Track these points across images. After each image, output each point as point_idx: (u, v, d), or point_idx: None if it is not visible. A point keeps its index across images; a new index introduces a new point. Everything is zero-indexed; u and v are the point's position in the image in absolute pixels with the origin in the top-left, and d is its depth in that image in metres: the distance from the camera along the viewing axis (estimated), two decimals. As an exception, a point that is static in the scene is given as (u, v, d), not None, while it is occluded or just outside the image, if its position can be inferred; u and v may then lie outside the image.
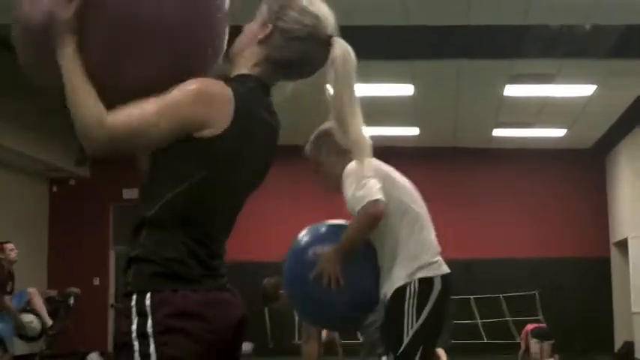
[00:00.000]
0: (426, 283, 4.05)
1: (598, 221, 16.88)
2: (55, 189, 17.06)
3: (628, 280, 15.37)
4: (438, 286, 4.06)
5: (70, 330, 14.96)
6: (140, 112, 2.07)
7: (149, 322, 2.06)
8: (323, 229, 4.36)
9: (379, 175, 4.08)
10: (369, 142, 2.39)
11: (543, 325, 14.72)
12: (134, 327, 2.07)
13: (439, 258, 4.18)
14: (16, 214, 15.45)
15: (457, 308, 15.56)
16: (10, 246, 10.51)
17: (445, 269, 4.17)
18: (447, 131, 15.62)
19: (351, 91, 2.33)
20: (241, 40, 2.34)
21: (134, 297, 2.09)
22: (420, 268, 4.07)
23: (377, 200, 3.94)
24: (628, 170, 15.50)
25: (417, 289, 4.04)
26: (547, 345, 13.94)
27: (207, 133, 2.11)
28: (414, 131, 14.90)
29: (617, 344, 16.11)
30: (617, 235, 16.33)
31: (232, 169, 2.19)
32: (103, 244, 17.01)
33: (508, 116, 14.37)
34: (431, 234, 4.23)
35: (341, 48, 2.31)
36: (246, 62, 2.30)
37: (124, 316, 2.11)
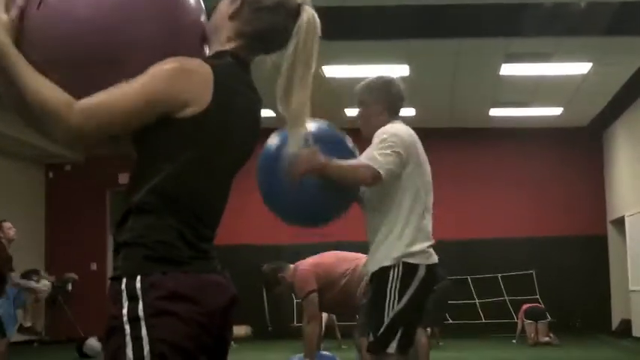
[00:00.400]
0: (410, 268, 4.05)
1: (595, 199, 16.90)
2: (51, 175, 17.06)
3: (625, 258, 15.41)
4: (421, 273, 4.06)
5: (68, 316, 14.99)
6: (115, 93, 2.02)
7: (140, 306, 2.04)
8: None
9: (413, 159, 4.14)
10: (308, 118, 2.34)
11: (538, 304, 14.77)
12: (124, 311, 2.04)
13: (430, 248, 4.18)
14: (12, 200, 15.43)
15: (455, 288, 15.60)
16: (7, 224, 10.51)
17: (433, 260, 4.16)
18: (443, 111, 15.60)
19: (308, 61, 2.28)
20: (214, 19, 2.30)
21: (124, 280, 2.06)
22: (410, 255, 4.07)
23: (378, 173, 3.95)
24: (625, 148, 15.50)
25: (400, 273, 4.04)
26: (541, 324, 14.00)
27: (188, 112, 2.07)
28: (409, 112, 14.87)
29: (615, 322, 16.17)
30: (614, 213, 16.35)
31: (217, 148, 2.16)
32: (100, 230, 17.03)
33: (504, 95, 14.35)
34: (430, 224, 4.22)
35: (307, 15, 2.25)
36: (221, 39, 2.27)
37: (112, 300, 2.07)
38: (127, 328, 2.03)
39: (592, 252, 16.54)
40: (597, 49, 11.78)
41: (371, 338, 4.10)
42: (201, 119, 2.09)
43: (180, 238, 2.10)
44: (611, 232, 16.73)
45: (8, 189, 15.32)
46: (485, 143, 16.92)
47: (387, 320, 4.03)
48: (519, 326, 14.47)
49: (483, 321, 16.01)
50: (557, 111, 15.50)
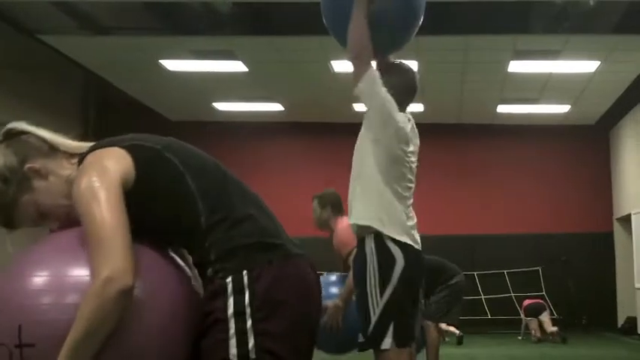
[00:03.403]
0: (386, 257, 3.92)
1: (601, 197, 16.89)
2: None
3: (631, 256, 15.40)
4: (401, 262, 3.90)
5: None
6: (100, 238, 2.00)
7: (247, 299, 2.10)
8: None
9: (391, 132, 4.03)
10: None
11: (538, 300, 14.82)
12: (230, 302, 2.10)
13: (409, 236, 4.03)
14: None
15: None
16: None
17: (413, 243, 4.01)
18: (451, 107, 15.60)
19: None
20: None
21: (230, 277, 2.12)
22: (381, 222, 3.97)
23: (368, 68, 3.96)
24: (632, 146, 15.49)
25: (376, 265, 3.91)
26: (544, 316, 14.04)
27: (130, 184, 2.13)
28: (418, 107, 14.86)
29: (620, 320, 16.17)
30: (620, 211, 16.34)
31: (181, 179, 2.21)
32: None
33: (512, 92, 14.35)
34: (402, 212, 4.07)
35: None
36: None
37: (210, 296, 2.14)
38: (232, 322, 2.09)
39: (598, 249, 16.54)
40: (606, 47, 11.77)
41: (361, 338, 3.98)
42: (143, 179, 2.17)
43: (252, 237, 2.18)
44: (618, 229, 16.72)
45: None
46: (493, 140, 16.92)
47: (373, 319, 3.89)
48: (524, 322, 14.50)
49: (489, 317, 16.03)
50: (564, 108, 15.49)
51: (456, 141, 16.49)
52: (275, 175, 16.65)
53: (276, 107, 15.58)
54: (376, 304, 3.90)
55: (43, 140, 2.28)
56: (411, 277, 3.96)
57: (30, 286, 2.02)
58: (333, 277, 5.82)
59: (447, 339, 13.15)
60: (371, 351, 3.92)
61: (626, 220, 15.88)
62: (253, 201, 2.33)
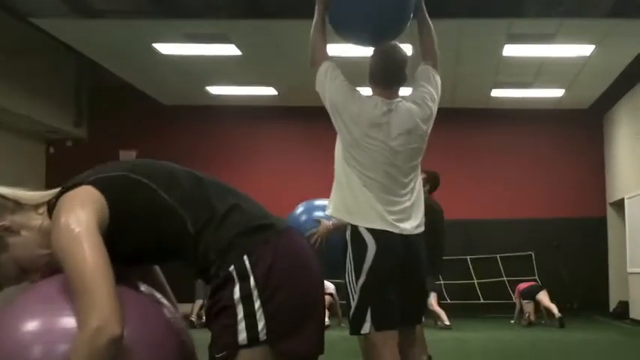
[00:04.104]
0: (359, 244, 3.98)
1: (595, 181, 16.92)
2: (52, 150, 17.05)
3: (624, 241, 15.44)
4: (372, 248, 3.95)
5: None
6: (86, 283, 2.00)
7: (252, 282, 2.15)
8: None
9: (348, 118, 4.15)
10: None
11: (534, 282, 14.89)
12: (237, 289, 2.15)
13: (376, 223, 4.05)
14: (12, 176, 15.42)
15: (454, 269, 15.65)
16: None
17: (389, 227, 4.03)
18: (445, 92, 15.35)
19: None
20: None
21: (232, 266, 2.17)
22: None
23: (317, 68, 4.20)
24: (625, 131, 15.50)
25: (351, 254, 3.99)
26: (542, 295, 14.11)
27: (107, 219, 2.16)
28: (408, 91, 14.85)
29: (612, 304, 16.23)
30: (613, 196, 16.37)
31: (155, 195, 2.25)
32: (101, 206, 17.02)
33: (506, 76, 14.34)
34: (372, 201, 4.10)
35: None
36: None
37: (215, 290, 2.19)
38: (240, 306, 2.14)
39: (591, 234, 16.58)
40: (600, 32, 11.76)
41: (347, 322, 4.05)
42: (116, 216, 2.19)
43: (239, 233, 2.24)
44: (611, 214, 16.76)
45: (8, 164, 15.32)
46: (486, 124, 16.93)
47: (353, 303, 3.95)
48: (518, 306, 14.55)
49: (482, 301, 16.08)
50: (558, 93, 15.49)
51: (450, 125, 16.48)
52: (269, 159, 16.65)
53: (270, 91, 15.55)
54: (354, 291, 3.98)
55: (5, 198, 2.26)
56: (385, 262, 3.97)
57: (17, 339, 2.01)
58: (318, 202, 5.65)
59: (439, 323, 13.19)
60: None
61: (620, 205, 15.91)
62: (232, 193, 2.36)
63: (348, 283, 3.98)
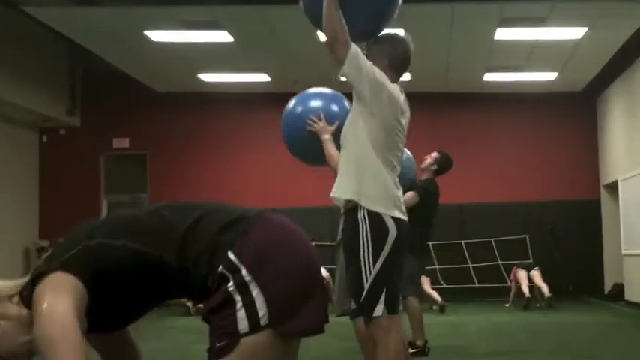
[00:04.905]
0: (380, 227, 4.00)
1: (589, 164, 16.95)
2: (45, 139, 17.02)
3: (618, 223, 15.47)
4: (393, 232, 4.00)
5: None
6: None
7: (243, 272, 2.20)
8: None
9: (382, 102, 4.10)
10: None
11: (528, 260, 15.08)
12: (231, 282, 2.20)
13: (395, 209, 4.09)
14: (5, 164, 15.42)
15: (448, 252, 15.68)
16: None
17: (401, 215, 4.10)
18: (437, 76, 15.57)
19: None
20: None
21: (220, 266, 2.23)
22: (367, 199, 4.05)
23: (347, 48, 4.00)
24: (619, 113, 15.51)
25: (369, 234, 3.98)
26: (535, 271, 14.20)
27: (86, 297, 2.20)
28: (405, 76, 14.82)
29: (607, 286, 16.28)
30: (607, 178, 16.40)
31: (123, 250, 2.29)
32: (95, 193, 17.04)
33: (499, 60, 14.32)
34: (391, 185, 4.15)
35: None
36: None
37: (213, 292, 2.25)
38: (238, 296, 2.19)
39: (585, 216, 16.62)
40: (593, 14, 11.75)
41: (353, 305, 4.06)
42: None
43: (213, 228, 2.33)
44: (605, 196, 16.79)
45: (2, 153, 15.30)
46: (480, 108, 16.92)
47: (366, 286, 3.97)
48: (513, 289, 14.60)
49: (476, 285, 16.11)
50: (551, 76, 15.48)
51: (443, 109, 16.48)
52: (261, 145, 16.62)
53: (263, 78, 15.52)
54: (369, 272, 3.97)
55: None
56: (402, 248, 4.05)
57: None
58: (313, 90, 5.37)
59: (434, 307, 13.22)
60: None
61: (613, 188, 15.94)
62: (193, 207, 2.42)
63: (362, 264, 3.97)
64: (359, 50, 4.04)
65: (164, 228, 2.30)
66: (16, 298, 2.28)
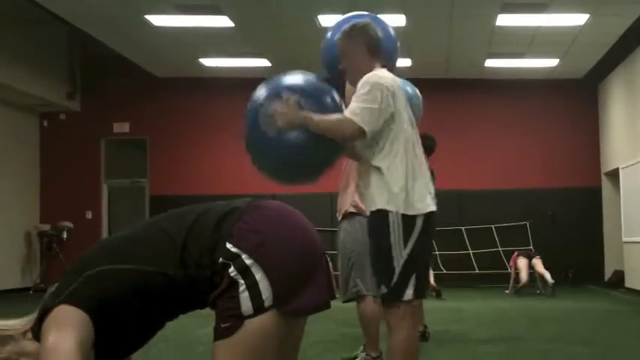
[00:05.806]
0: (408, 219, 4.01)
1: (589, 151, 16.92)
2: (45, 123, 17.00)
3: (619, 210, 15.47)
4: (419, 223, 4.01)
5: (63, 264, 15.05)
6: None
7: (244, 257, 2.23)
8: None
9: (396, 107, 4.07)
10: None
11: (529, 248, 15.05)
12: (232, 269, 2.22)
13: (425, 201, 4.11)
14: (6, 149, 15.41)
15: (449, 239, 15.67)
16: None
17: (430, 208, 4.11)
18: (438, 62, 15.54)
19: None
20: None
21: (220, 258, 2.26)
22: (404, 202, 4.03)
23: (358, 126, 3.92)
24: (620, 100, 15.48)
25: (400, 221, 3.99)
26: (537, 259, 14.19)
27: (91, 329, 2.23)
28: (405, 62, 14.80)
29: (608, 273, 16.29)
30: (608, 165, 16.38)
31: (123, 274, 2.32)
32: (95, 178, 17.03)
33: (500, 46, 14.29)
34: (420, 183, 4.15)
35: None
36: None
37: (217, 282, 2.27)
38: (241, 280, 2.22)
39: (586, 204, 16.61)
40: (594, 1, 11.71)
41: (384, 290, 4.05)
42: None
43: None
44: (606, 183, 16.77)
45: (3, 138, 15.29)
46: (481, 94, 16.89)
47: (397, 270, 3.98)
48: (513, 275, 14.60)
49: (477, 271, 16.12)
50: (553, 62, 15.45)
51: (443, 96, 16.44)
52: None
53: (263, 63, 15.48)
54: (400, 256, 3.99)
55: None
56: (430, 231, 4.10)
57: None
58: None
59: (432, 294, 13.22)
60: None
61: (614, 175, 15.92)
62: (185, 213, 2.44)
63: (393, 248, 3.98)
64: (355, 123, 3.93)
65: (164, 242, 2.33)
66: (29, 334, 2.32)
